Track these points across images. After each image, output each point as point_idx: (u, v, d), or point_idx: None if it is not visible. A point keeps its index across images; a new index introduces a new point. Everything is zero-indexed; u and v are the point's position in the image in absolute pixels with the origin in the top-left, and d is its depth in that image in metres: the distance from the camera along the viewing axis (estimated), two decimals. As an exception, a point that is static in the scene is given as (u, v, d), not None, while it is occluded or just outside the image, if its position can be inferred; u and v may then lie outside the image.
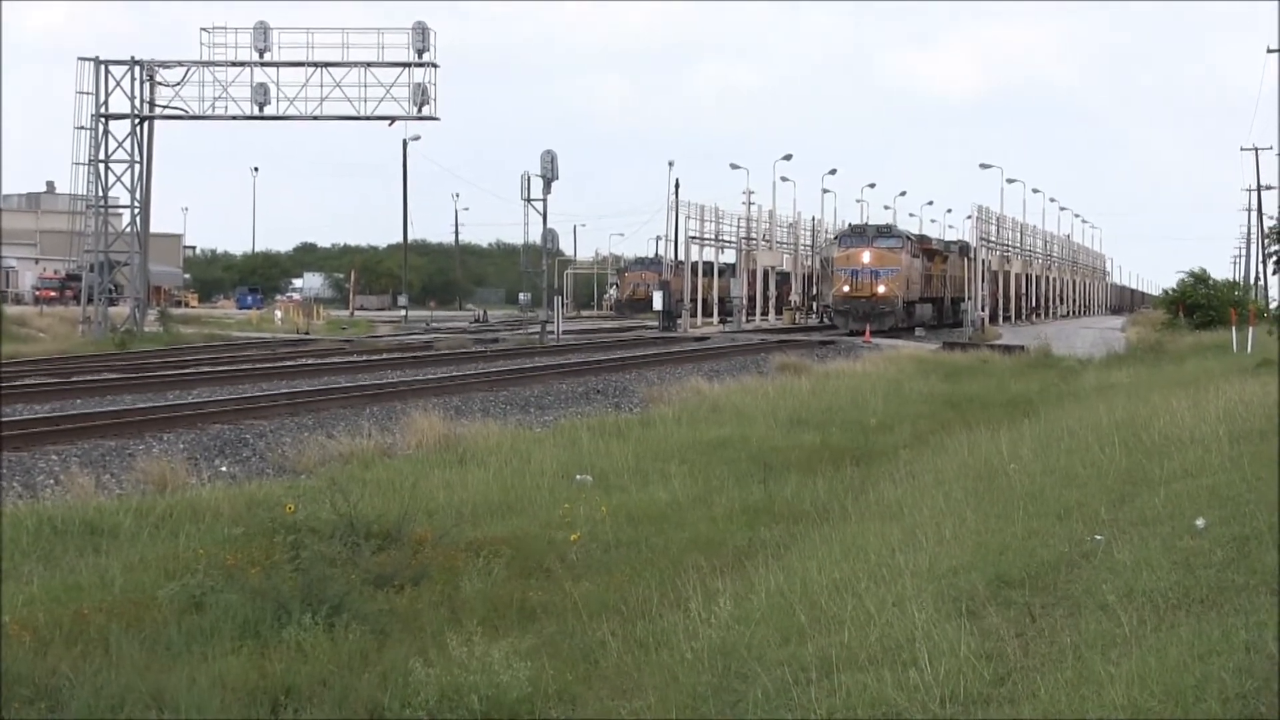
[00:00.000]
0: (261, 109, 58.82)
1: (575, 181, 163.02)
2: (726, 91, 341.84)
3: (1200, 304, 59.25)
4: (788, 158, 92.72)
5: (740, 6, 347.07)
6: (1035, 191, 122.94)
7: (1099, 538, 10.85)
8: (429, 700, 8.72)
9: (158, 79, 59.31)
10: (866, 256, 66.59)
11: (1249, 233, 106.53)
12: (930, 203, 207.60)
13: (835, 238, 75.89)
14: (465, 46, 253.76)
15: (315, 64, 58.45)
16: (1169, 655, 7.51)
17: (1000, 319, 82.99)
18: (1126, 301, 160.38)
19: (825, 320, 74.20)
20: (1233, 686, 6.99)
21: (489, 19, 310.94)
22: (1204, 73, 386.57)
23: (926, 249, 76.22)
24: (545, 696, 8.87)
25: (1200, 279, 61.93)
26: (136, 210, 60.03)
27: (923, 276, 72.85)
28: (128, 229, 60.53)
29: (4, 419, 23.06)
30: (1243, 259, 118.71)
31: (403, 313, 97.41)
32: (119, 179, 59.52)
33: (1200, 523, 10.49)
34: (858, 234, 69.86)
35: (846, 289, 66.88)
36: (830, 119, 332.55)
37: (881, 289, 65.99)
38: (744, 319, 76.19)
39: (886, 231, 70.49)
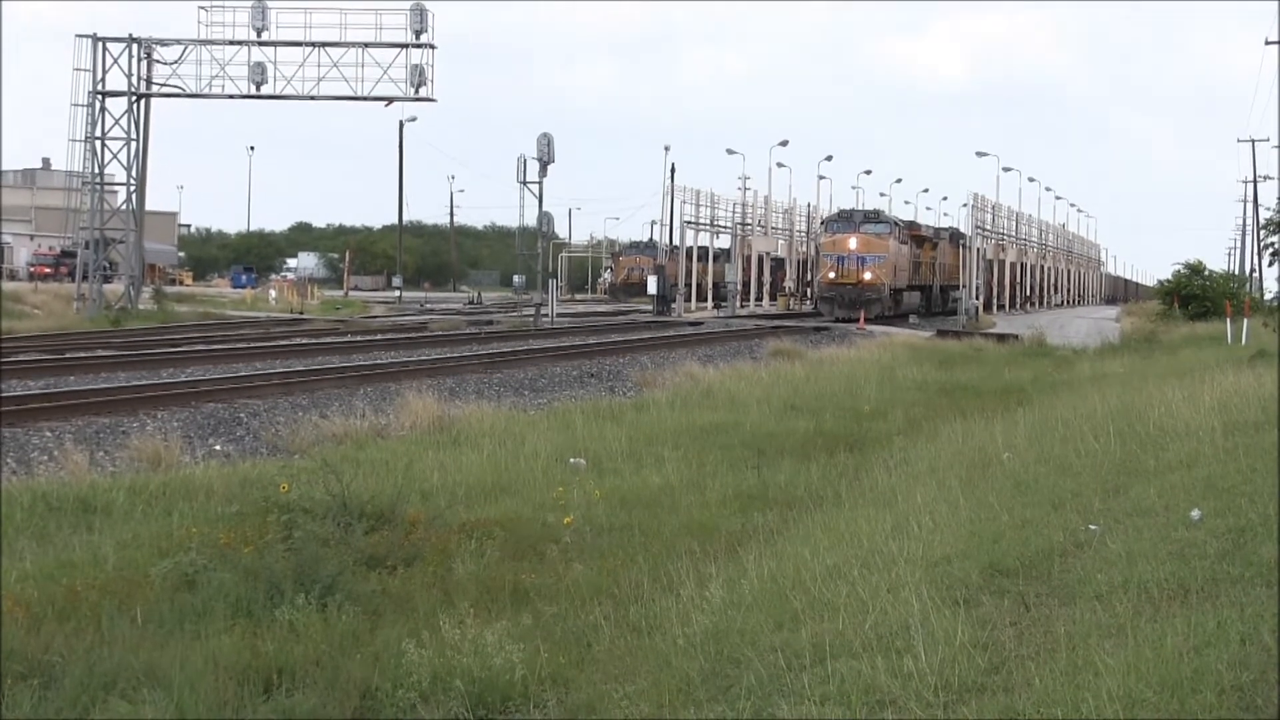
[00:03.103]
0: (258, 88, 58.68)
1: (571, 166, 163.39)
2: (719, 79, 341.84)
3: (1195, 295, 59.28)
4: (784, 144, 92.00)
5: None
6: (1031, 180, 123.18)
7: (1094, 528, 10.82)
8: (421, 681, 8.71)
9: (155, 57, 59.18)
10: (853, 243, 65.92)
11: (1244, 224, 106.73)
12: (926, 190, 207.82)
13: (822, 223, 75.44)
14: (461, 35, 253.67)
15: (313, 44, 58.29)
16: (1164, 646, 7.50)
17: (994, 307, 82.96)
18: (1121, 292, 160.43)
19: (818, 306, 74.07)
20: (1228, 678, 6.98)
21: (484, 9, 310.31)
22: (1197, 63, 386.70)
23: (916, 235, 75.87)
24: (538, 679, 8.86)
25: (1196, 270, 61.96)
26: (132, 188, 59.92)
27: (911, 263, 72.39)
28: (123, 206, 60.37)
29: (-3, 395, 23.04)
30: (1238, 250, 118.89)
31: (397, 294, 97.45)
32: (115, 156, 59.46)
33: (1195, 514, 10.47)
34: (845, 219, 69.13)
35: (833, 275, 66.18)
36: (825, 108, 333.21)
37: (868, 275, 65.24)
38: (738, 304, 76.09)
39: (874, 217, 69.85)
